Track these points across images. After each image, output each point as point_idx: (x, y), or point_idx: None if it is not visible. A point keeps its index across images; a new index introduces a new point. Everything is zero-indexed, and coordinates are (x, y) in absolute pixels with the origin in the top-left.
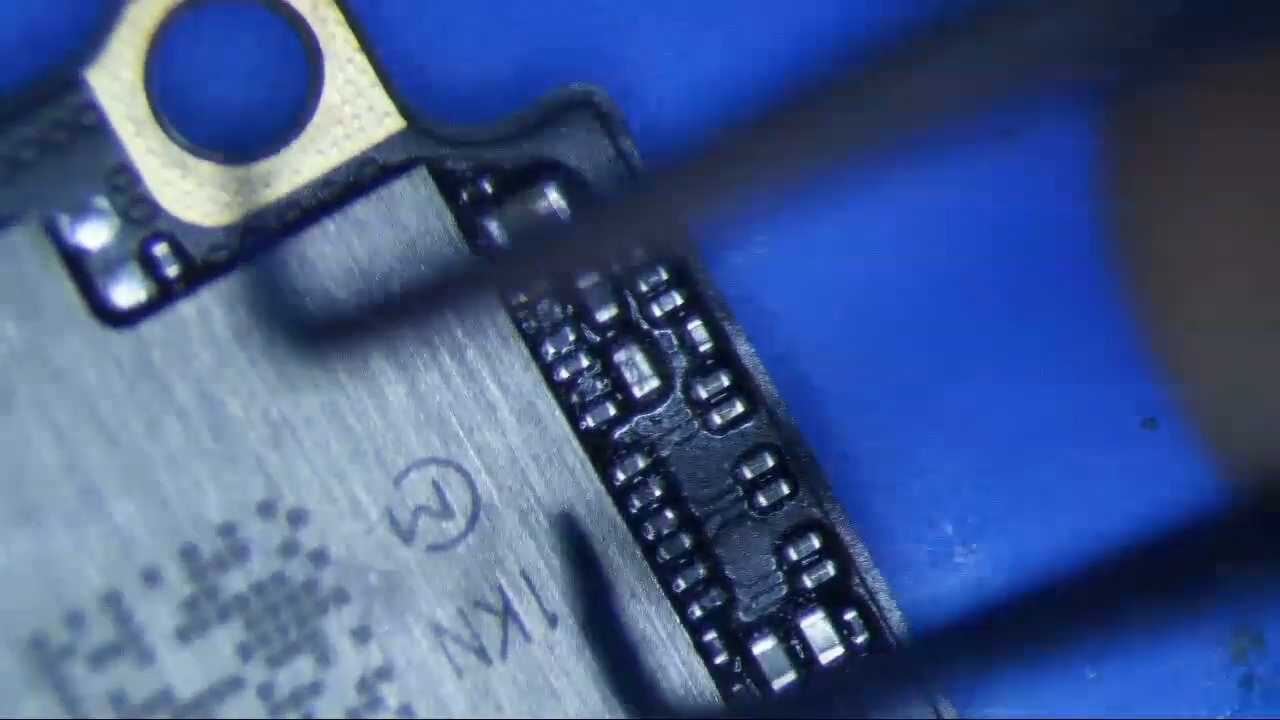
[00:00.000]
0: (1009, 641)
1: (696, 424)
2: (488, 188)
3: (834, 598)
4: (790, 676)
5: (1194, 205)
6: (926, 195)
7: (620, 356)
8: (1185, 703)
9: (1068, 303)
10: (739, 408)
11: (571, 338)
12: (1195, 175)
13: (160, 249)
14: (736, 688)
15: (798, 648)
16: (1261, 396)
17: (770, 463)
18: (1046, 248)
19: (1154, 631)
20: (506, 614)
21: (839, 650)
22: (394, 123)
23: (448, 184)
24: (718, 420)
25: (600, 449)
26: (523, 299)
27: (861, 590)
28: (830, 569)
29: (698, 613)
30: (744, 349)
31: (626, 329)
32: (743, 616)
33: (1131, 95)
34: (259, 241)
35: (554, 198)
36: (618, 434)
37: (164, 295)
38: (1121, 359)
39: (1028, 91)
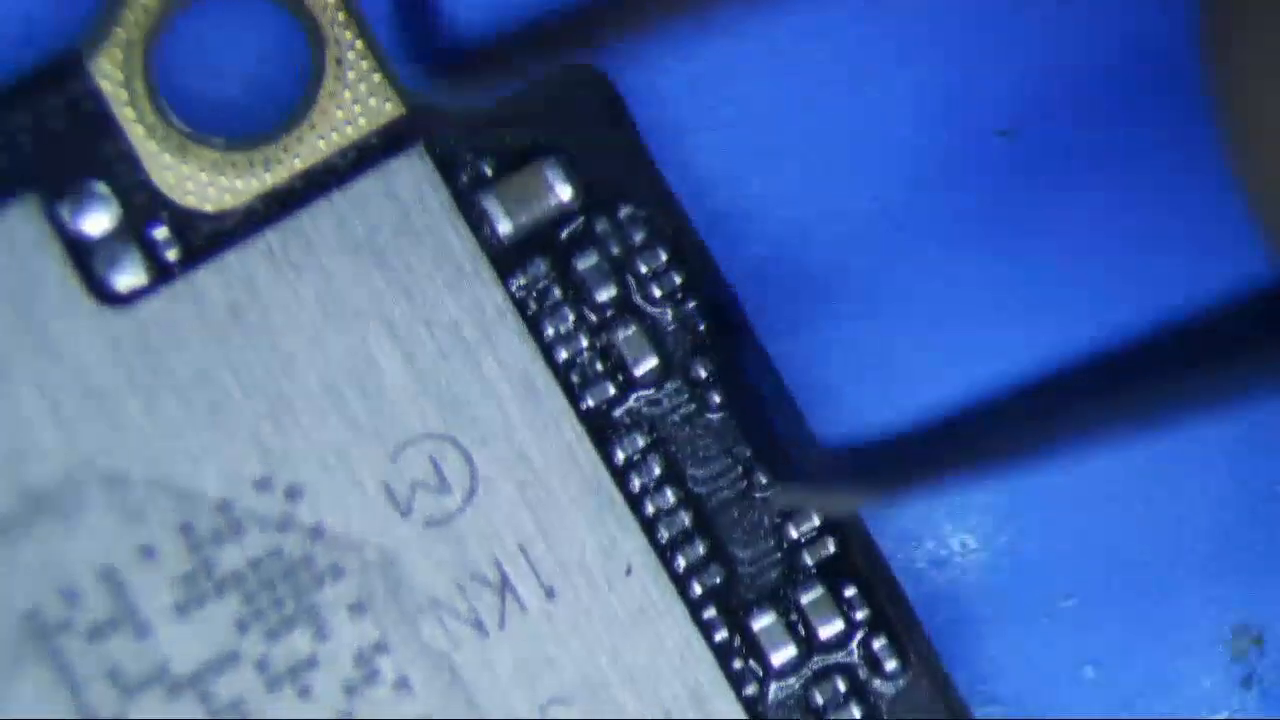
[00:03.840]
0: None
1: (696, 403)
2: (487, 169)
3: (834, 574)
4: (791, 652)
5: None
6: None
7: (620, 336)
8: (1185, 703)
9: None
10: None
11: (571, 318)
12: None
13: (160, 234)
14: (737, 664)
15: (798, 624)
16: None
17: None
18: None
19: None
20: (504, 587)
21: (840, 626)
22: (394, 108)
23: (447, 165)
24: (717, 399)
25: (600, 428)
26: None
27: (861, 564)
28: (830, 546)
29: (698, 590)
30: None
31: (626, 309)
32: (743, 594)
33: None
34: None
35: (553, 177)
36: (617, 413)
37: (164, 280)
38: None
39: None
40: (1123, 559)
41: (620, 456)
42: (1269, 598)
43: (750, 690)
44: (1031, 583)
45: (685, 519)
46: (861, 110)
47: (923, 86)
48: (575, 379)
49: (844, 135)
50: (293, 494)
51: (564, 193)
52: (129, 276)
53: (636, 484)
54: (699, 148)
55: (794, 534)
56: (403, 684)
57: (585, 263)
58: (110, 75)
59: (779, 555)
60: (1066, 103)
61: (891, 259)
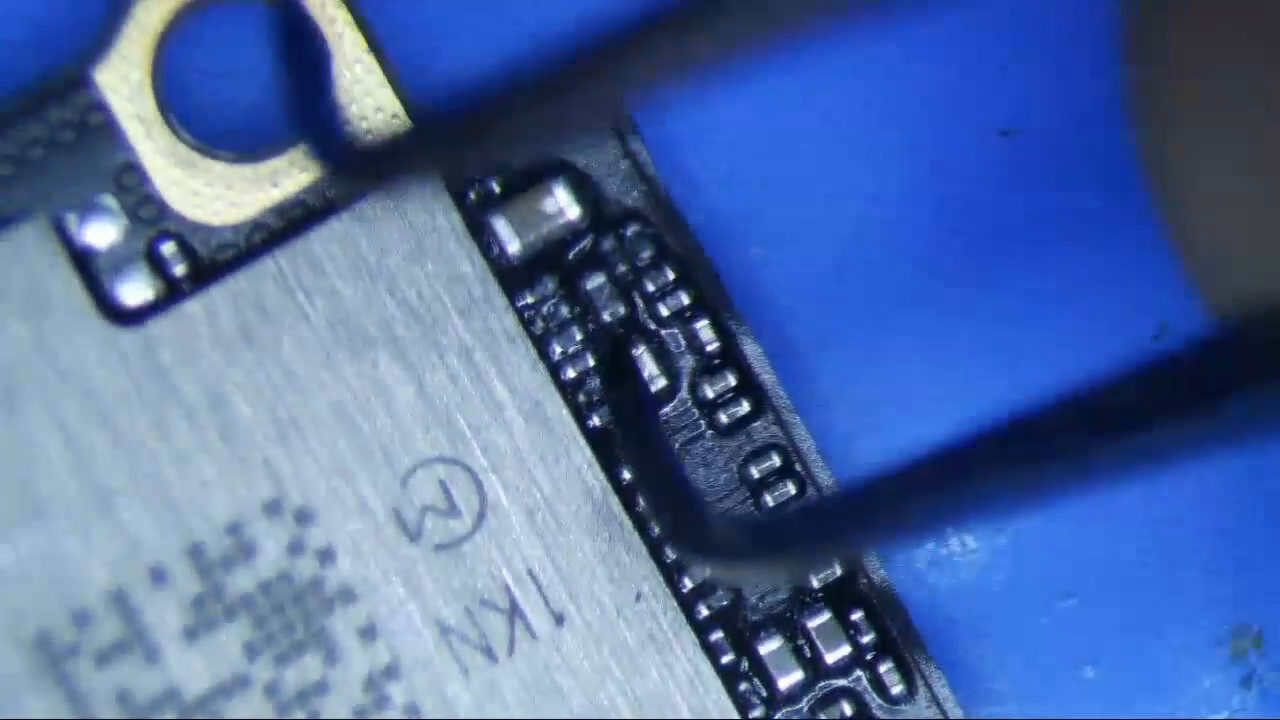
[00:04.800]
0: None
1: (703, 424)
2: (495, 187)
3: (840, 597)
4: (797, 677)
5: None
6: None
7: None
8: (1185, 703)
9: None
10: (745, 407)
11: (579, 337)
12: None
13: (168, 248)
14: (743, 686)
15: (804, 647)
16: (1255, 238)
17: (777, 463)
18: None
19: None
20: (513, 613)
21: (846, 650)
22: (401, 120)
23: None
24: (724, 420)
25: (608, 448)
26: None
27: (868, 590)
28: (837, 568)
29: (704, 612)
30: (751, 349)
31: (634, 329)
32: (749, 616)
33: None
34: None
35: (561, 196)
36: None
37: (172, 294)
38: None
39: None
40: (1123, 559)
41: (627, 476)
42: (1269, 598)
43: (757, 714)
44: (1031, 583)
45: None
46: (861, 110)
47: (923, 86)
48: (582, 399)
49: (844, 135)
50: (302, 517)
51: (572, 212)
52: (136, 290)
53: (644, 504)
54: (699, 148)
55: None
56: (412, 710)
57: (593, 282)
58: (117, 88)
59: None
60: (1066, 103)
61: (891, 259)
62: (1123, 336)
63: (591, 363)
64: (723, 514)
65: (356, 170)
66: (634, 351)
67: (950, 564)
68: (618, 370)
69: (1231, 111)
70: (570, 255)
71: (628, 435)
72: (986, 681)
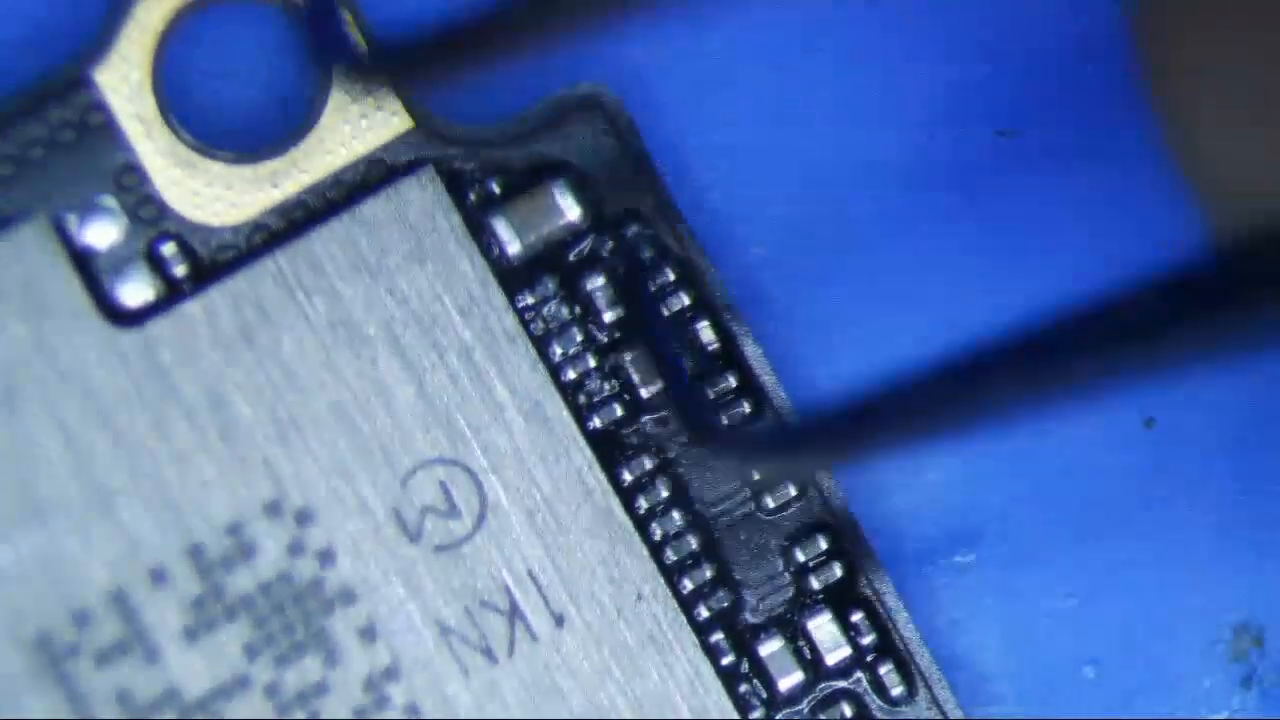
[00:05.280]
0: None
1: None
2: (495, 188)
3: (841, 599)
4: (798, 678)
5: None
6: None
7: (628, 357)
8: (1185, 703)
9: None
10: (746, 408)
11: (579, 338)
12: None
13: (168, 248)
14: (743, 688)
15: (805, 649)
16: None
17: None
18: None
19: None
20: (513, 614)
21: (846, 651)
22: (401, 122)
23: (455, 184)
24: (725, 421)
25: (608, 449)
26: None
27: (869, 592)
28: (838, 570)
29: (705, 613)
30: (751, 350)
31: (634, 329)
32: (750, 617)
33: None
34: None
35: (561, 197)
36: (625, 434)
37: (172, 295)
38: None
39: None
40: (1122, 559)
41: (627, 478)
42: (1269, 598)
43: (757, 715)
44: (1031, 583)
45: (693, 542)
46: (861, 110)
47: (923, 86)
48: (582, 400)
49: (844, 135)
50: (302, 518)
51: (572, 213)
52: (136, 291)
53: (644, 506)
54: (698, 148)
55: (801, 558)
56: (412, 710)
57: (593, 283)
58: (117, 89)
59: (787, 579)
60: (1067, 103)
61: (891, 259)
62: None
63: (592, 363)
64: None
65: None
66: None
67: (950, 564)
68: (630, 289)
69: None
70: (570, 256)
71: (646, 340)
72: (986, 682)
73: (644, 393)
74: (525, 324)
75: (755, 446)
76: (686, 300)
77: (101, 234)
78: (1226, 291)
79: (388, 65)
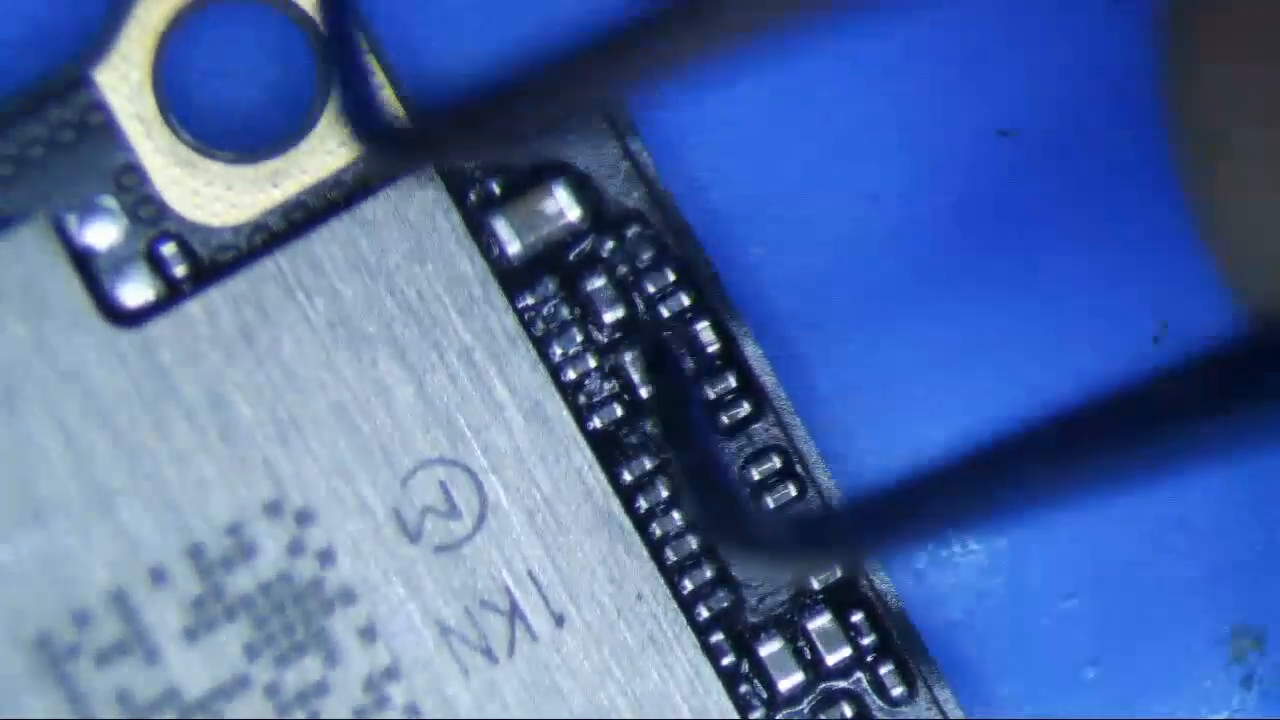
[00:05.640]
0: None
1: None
2: (495, 188)
3: (841, 599)
4: (798, 678)
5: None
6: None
7: (628, 358)
8: (1185, 703)
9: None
10: (746, 409)
11: (579, 339)
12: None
13: (168, 248)
14: (743, 688)
15: (805, 649)
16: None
17: (778, 464)
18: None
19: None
20: (513, 614)
21: (846, 652)
22: (400, 121)
23: (455, 184)
24: (725, 421)
25: (608, 449)
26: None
27: (869, 592)
28: (837, 571)
29: (705, 614)
30: (751, 350)
31: (634, 330)
32: (750, 618)
33: None
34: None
35: (561, 198)
36: (625, 435)
37: (172, 295)
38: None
39: None
40: (1123, 559)
41: (627, 478)
42: (1269, 598)
43: (757, 716)
44: (1032, 583)
45: (693, 542)
46: (861, 110)
47: (923, 86)
48: (582, 400)
49: (844, 135)
50: (302, 518)
51: (572, 213)
52: (136, 291)
53: (643, 506)
54: (698, 148)
55: None
56: (412, 710)
57: (593, 283)
58: (117, 89)
59: (786, 579)
60: (1066, 103)
61: (891, 259)
62: (1124, 336)
63: (592, 364)
64: (766, 509)
65: (393, 148)
66: (675, 349)
67: (950, 564)
68: (658, 367)
69: (1264, 109)
70: (571, 256)
71: (671, 430)
72: (987, 682)
73: (644, 393)
74: (525, 324)
75: (782, 546)
76: (686, 300)
77: (101, 234)
78: (1264, 374)
79: (423, 148)
